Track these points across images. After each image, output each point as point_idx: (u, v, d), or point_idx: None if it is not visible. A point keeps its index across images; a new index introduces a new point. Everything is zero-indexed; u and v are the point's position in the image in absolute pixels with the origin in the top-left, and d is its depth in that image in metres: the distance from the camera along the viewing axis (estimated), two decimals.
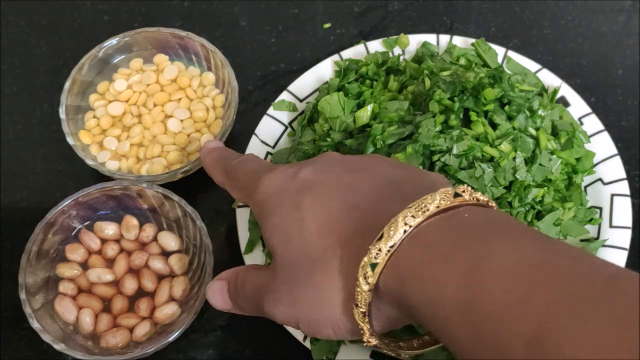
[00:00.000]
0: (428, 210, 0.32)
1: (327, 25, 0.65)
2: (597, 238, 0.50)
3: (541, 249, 0.30)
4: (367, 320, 0.33)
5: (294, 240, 0.36)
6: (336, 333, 0.36)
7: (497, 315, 0.28)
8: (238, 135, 0.57)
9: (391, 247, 0.32)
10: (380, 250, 0.32)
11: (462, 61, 0.54)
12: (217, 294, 0.41)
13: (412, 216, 0.32)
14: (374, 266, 0.32)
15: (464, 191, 0.33)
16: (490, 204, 0.34)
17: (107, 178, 0.54)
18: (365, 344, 0.35)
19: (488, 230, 0.31)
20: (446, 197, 0.33)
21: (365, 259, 0.32)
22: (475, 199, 0.33)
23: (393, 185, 0.36)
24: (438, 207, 0.32)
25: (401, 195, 0.35)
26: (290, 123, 0.57)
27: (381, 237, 0.32)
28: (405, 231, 0.32)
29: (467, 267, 0.29)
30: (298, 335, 0.48)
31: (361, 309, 0.33)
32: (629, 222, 0.51)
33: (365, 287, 0.32)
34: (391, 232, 0.32)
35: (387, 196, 0.35)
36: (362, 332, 0.34)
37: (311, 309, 0.35)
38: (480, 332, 0.28)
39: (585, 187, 0.53)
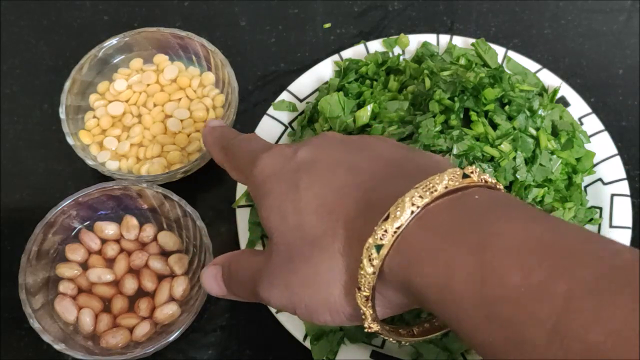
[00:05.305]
0: (436, 190, 0.31)
1: (327, 25, 0.65)
2: None
3: (556, 231, 0.28)
4: (369, 304, 0.32)
5: (291, 221, 0.35)
6: (334, 319, 0.34)
7: (513, 299, 0.26)
8: None
9: (397, 228, 0.30)
10: (386, 231, 0.30)
11: (462, 61, 0.54)
12: (212, 280, 0.40)
13: (420, 196, 0.31)
14: (379, 248, 0.31)
15: (472, 172, 0.32)
16: (497, 186, 0.33)
17: (107, 178, 0.54)
18: (366, 330, 0.33)
19: (499, 212, 0.30)
20: (454, 177, 0.31)
21: (370, 240, 0.31)
22: (483, 181, 0.32)
23: (394, 165, 0.35)
24: (446, 187, 0.31)
25: (405, 174, 0.33)
26: (290, 123, 0.57)
27: (387, 217, 0.31)
28: (412, 212, 0.30)
29: (478, 250, 0.28)
30: (298, 335, 0.48)
31: (364, 293, 0.32)
32: (629, 222, 0.51)
33: (370, 270, 0.31)
34: (398, 213, 0.30)
35: (389, 176, 0.34)
36: (363, 317, 0.33)
37: (308, 293, 0.34)
38: (494, 317, 0.27)
39: (585, 187, 0.53)
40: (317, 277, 0.33)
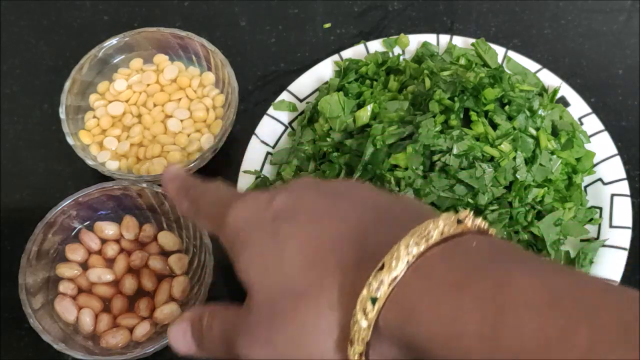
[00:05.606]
0: (432, 237, 0.29)
1: (327, 25, 0.65)
2: (597, 238, 0.50)
3: (568, 279, 0.27)
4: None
5: (272, 274, 0.32)
6: None
7: (531, 352, 0.25)
8: (238, 135, 0.57)
9: (394, 278, 0.29)
10: (382, 282, 0.29)
11: (462, 61, 0.54)
12: (179, 337, 0.37)
13: (416, 244, 0.29)
14: (374, 300, 0.29)
15: (466, 217, 0.31)
16: (490, 231, 0.32)
17: (107, 178, 0.54)
18: None
19: (503, 259, 0.29)
20: (449, 223, 0.30)
21: (364, 292, 0.29)
22: (476, 227, 0.31)
23: (380, 210, 0.33)
24: (442, 234, 0.29)
25: (393, 221, 0.32)
26: (290, 123, 0.57)
27: (382, 267, 0.29)
28: (408, 261, 0.29)
29: (487, 300, 0.27)
30: None
31: (357, 349, 0.30)
32: (629, 222, 0.51)
33: (364, 324, 0.29)
34: (393, 263, 0.29)
35: (377, 222, 0.33)
36: None
37: (293, 350, 0.32)
38: None
39: (585, 187, 0.53)
40: (303, 333, 0.32)
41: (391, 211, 0.33)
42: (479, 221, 0.31)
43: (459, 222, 0.30)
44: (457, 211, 0.46)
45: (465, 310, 0.27)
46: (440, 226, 0.30)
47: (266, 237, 0.33)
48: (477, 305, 0.27)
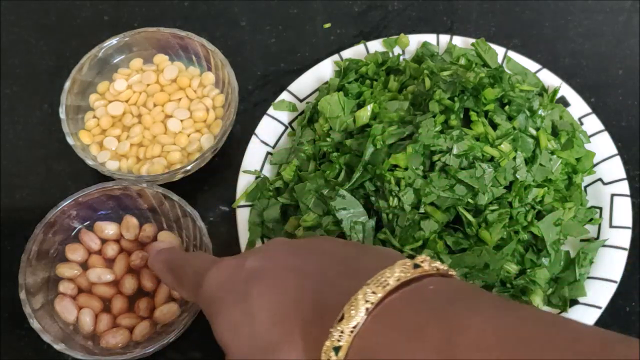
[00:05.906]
0: (388, 284, 0.31)
1: (327, 25, 0.65)
2: (597, 238, 0.50)
3: (513, 317, 0.29)
4: None
5: (245, 333, 0.34)
6: None
7: None
8: (238, 135, 0.57)
9: (354, 327, 0.30)
10: (342, 332, 0.30)
11: (462, 61, 0.54)
12: None
13: (373, 292, 0.31)
14: (337, 350, 0.30)
15: (423, 261, 0.32)
16: (450, 272, 0.33)
17: (107, 178, 0.54)
18: None
19: (457, 303, 0.30)
20: (405, 269, 0.31)
21: (328, 342, 0.31)
22: (435, 269, 0.32)
23: (343, 263, 0.35)
24: (398, 280, 0.31)
25: (355, 271, 0.33)
26: (290, 123, 0.57)
27: (342, 318, 0.31)
28: (367, 309, 0.30)
29: (443, 345, 0.28)
30: None
31: None
32: (629, 222, 0.51)
33: None
34: (352, 312, 0.30)
35: (340, 275, 0.34)
36: None
37: None
38: None
39: (585, 187, 0.53)
40: None
41: (357, 263, 0.35)
42: (437, 264, 0.33)
43: (417, 266, 0.32)
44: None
45: (422, 357, 0.29)
46: (396, 273, 0.31)
47: (238, 299, 0.35)
48: (433, 352, 0.28)
